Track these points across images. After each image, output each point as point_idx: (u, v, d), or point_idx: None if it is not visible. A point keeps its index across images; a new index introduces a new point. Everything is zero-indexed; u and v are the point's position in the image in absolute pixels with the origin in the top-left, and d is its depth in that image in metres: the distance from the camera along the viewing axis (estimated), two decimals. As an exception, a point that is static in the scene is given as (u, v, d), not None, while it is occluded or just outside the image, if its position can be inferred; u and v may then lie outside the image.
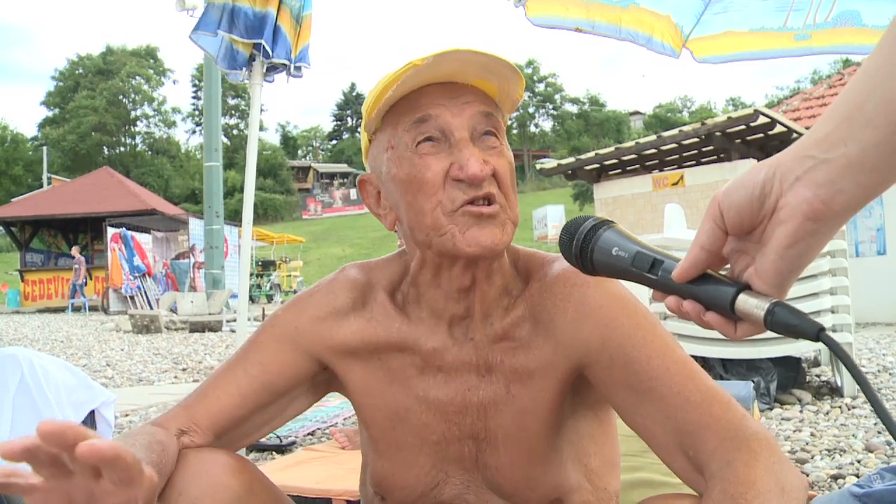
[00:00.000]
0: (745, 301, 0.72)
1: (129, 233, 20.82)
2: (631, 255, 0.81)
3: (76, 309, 21.18)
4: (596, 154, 12.99)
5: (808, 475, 2.92)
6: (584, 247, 0.84)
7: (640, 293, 1.11)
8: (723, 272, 0.77)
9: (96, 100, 57.02)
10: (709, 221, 0.74)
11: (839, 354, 0.68)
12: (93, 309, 21.12)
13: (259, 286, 24.69)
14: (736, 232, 0.73)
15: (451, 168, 1.03)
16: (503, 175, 1.05)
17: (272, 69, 3.67)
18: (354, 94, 76.01)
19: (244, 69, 3.61)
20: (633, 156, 12.44)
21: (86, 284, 22.02)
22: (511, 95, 1.10)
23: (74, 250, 22.79)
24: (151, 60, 62.35)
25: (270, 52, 3.54)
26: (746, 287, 0.73)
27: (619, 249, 0.82)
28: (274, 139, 73.03)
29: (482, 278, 1.11)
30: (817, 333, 0.69)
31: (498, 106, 1.11)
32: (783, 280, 0.71)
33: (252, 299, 22.13)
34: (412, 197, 1.05)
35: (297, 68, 3.71)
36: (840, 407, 4.20)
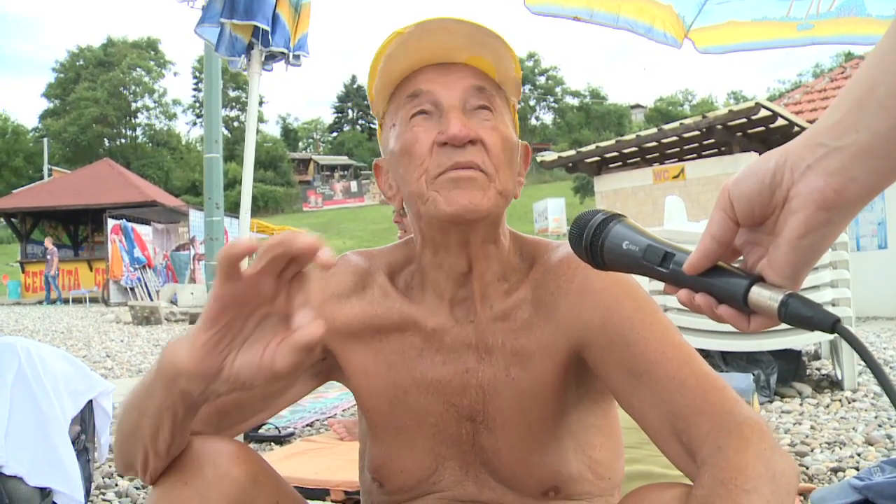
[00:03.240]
0: (758, 293, 0.70)
1: (130, 224, 20.82)
2: (642, 248, 0.79)
3: (52, 301, 21.16)
4: (597, 147, 12.99)
5: (808, 468, 2.91)
6: (595, 241, 0.83)
7: (642, 281, 1.09)
8: (735, 265, 0.75)
9: (97, 91, 56.99)
10: (719, 211, 0.72)
11: (855, 346, 0.67)
12: (93, 300, 21.14)
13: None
14: (747, 222, 0.71)
15: (438, 135, 1.05)
16: (492, 146, 1.06)
17: (270, 58, 3.67)
18: (355, 86, 75.93)
19: (243, 56, 3.59)
20: (633, 149, 12.44)
21: (58, 276, 21.97)
22: (509, 73, 1.10)
23: (48, 241, 22.65)
24: (152, 52, 62.34)
25: (269, 40, 3.53)
26: (759, 279, 0.71)
27: (630, 243, 0.80)
28: (275, 131, 73.04)
29: (478, 260, 1.11)
30: (833, 325, 0.67)
31: (498, 85, 1.11)
32: (797, 271, 0.69)
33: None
34: (404, 168, 1.08)
35: (296, 57, 3.70)
36: (840, 400, 4.19)
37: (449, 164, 1.04)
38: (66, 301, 21.33)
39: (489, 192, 1.05)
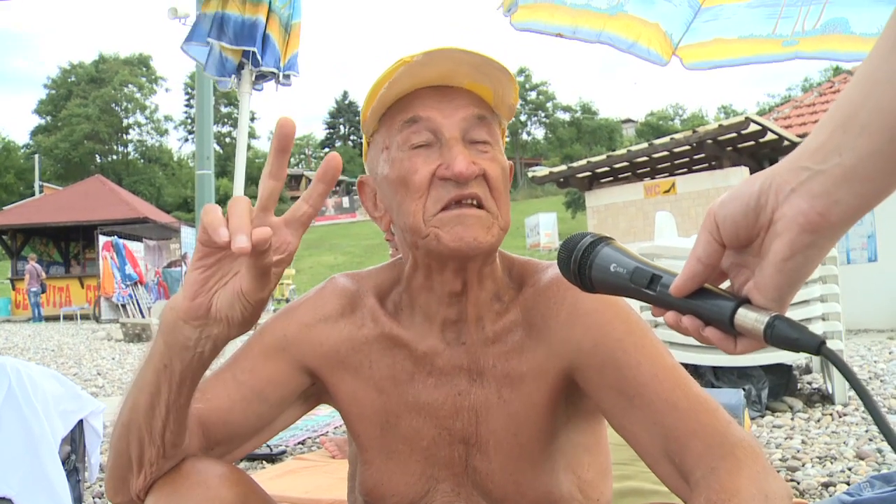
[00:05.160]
0: (744, 315, 0.70)
1: (121, 241, 20.72)
2: (629, 271, 0.79)
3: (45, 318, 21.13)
4: (588, 162, 13.02)
5: (798, 483, 2.92)
6: (583, 264, 0.83)
7: (632, 302, 1.10)
8: (723, 287, 0.75)
9: (88, 108, 56.96)
10: (705, 233, 0.72)
11: (840, 367, 0.67)
12: (84, 317, 21.03)
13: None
14: (733, 244, 0.72)
15: (439, 168, 1.04)
16: (494, 179, 1.05)
17: (261, 77, 3.69)
18: (347, 102, 76.10)
19: (233, 76, 3.61)
20: (624, 163, 12.47)
21: (44, 291, 21.89)
22: (506, 100, 1.10)
23: (30, 258, 22.69)
24: (144, 68, 62.41)
25: (260, 60, 3.54)
26: (746, 301, 0.71)
27: (618, 266, 0.80)
28: (266, 147, 73.07)
29: (473, 282, 1.10)
30: (818, 347, 0.68)
31: (494, 112, 1.11)
32: (783, 294, 0.69)
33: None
34: (401, 198, 1.06)
35: (286, 76, 3.72)
36: (831, 414, 4.20)
37: (449, 198, 1.03)
38: (46, 319, 21.18)
39: (493, 230, 1.05)
